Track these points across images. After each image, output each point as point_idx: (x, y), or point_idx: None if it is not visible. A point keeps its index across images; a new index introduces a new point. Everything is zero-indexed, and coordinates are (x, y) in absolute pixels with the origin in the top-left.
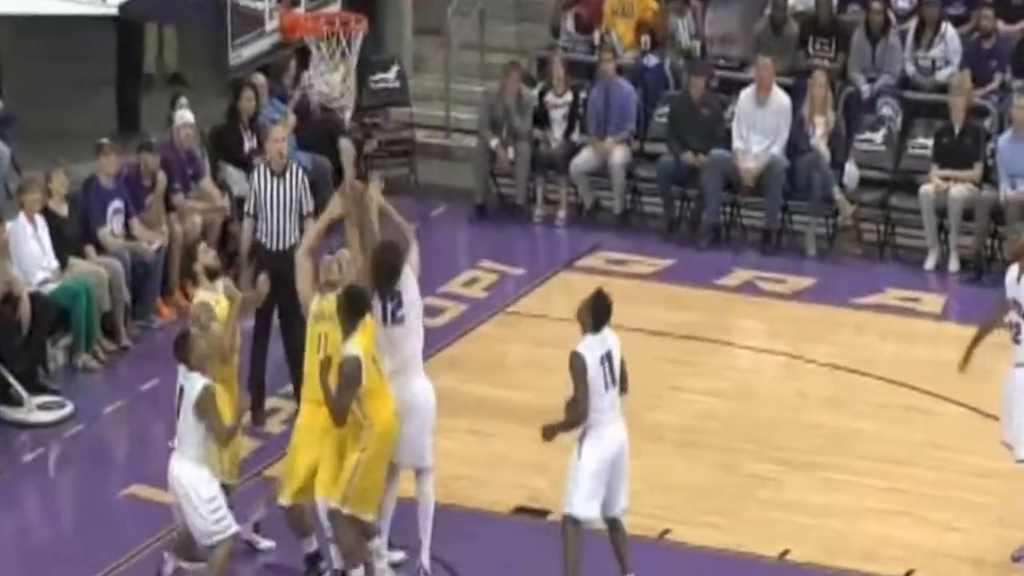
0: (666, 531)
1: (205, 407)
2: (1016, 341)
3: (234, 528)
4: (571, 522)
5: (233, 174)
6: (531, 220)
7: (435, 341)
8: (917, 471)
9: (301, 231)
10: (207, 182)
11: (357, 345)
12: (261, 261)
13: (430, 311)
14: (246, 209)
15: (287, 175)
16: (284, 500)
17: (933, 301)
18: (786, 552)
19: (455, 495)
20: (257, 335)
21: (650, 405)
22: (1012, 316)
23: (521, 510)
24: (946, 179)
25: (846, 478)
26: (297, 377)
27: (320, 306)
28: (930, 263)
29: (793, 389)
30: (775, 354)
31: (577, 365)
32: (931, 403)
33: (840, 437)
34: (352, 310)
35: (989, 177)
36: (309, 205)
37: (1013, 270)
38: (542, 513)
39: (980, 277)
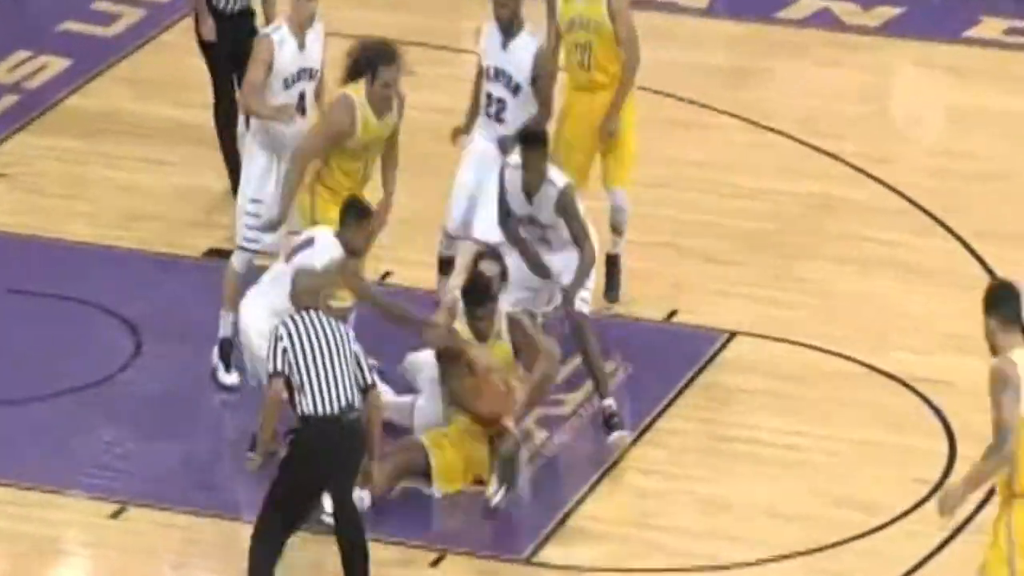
0: (387, 274)
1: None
2: None
3: None
4: None
5: None
6: None
7: (108, 52)
8: (680, 194)
9: None
10: None
11: None
12: None
13: (102, 18)
14: None
15: None
16: None
17: None
18: None
19: (138, 239)
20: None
21: None
22: None
23: (214, 252)
24: None
25: (593, 204)
26: None
27: None
28: None
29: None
30: None
31: None
32: (696, 114)
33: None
34: None
35: None
36: None
37: None
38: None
39: None
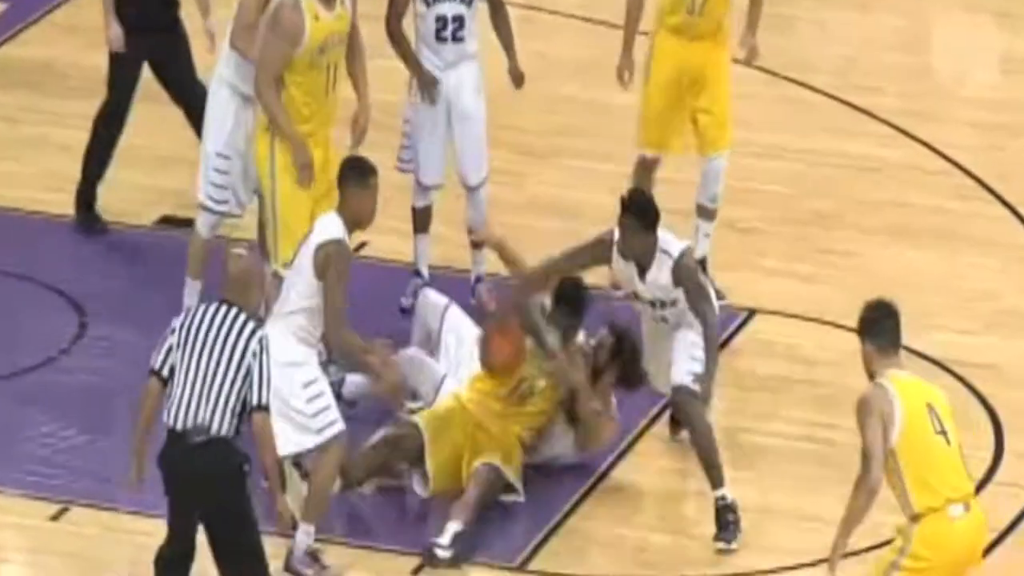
0: (362, 244)
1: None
2: None
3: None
4: None
5: None
6: None
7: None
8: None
9: None
10: None
11: None
12: None
13: None
14: None
15: None
16: None
17: None
18: None
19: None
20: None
21: None
22: None
23: (167, 220)
24: None
25: (596, 167)
26: None
27: None
28: None
29: (532, 49)
30: (514, 6)
31: None
32: None
33: (593, 112)
34: None
35: None
36: None
37: None
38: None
39: None
